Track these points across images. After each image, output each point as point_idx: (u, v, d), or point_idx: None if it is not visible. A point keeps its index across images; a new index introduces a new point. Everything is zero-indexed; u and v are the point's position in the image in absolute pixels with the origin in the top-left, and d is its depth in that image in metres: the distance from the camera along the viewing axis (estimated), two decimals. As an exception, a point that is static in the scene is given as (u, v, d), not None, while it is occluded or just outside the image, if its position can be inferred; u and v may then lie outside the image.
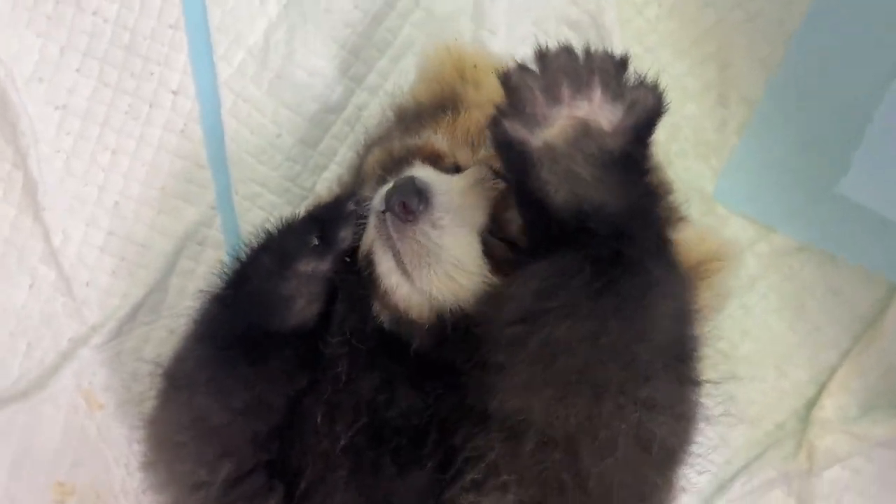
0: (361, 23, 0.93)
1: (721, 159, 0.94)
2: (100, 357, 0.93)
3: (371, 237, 0.69)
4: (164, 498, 0.74)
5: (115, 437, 0.94)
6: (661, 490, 0.62)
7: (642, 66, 0.59)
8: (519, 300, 0.56)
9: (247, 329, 0.71)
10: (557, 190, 0.56)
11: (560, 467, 0.56)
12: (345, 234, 0.71)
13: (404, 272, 0.65)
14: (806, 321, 0.96)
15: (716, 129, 0.94)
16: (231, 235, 0.94)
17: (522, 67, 0.58)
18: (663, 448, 0.58)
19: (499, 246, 0.66)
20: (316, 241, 0.72)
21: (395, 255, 0.65)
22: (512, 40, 0.93)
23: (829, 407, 0.93)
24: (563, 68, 0.56)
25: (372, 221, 0.69)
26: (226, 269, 0.76)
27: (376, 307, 0.69)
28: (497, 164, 0.68)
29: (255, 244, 0.75)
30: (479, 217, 0.67)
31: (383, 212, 0.66)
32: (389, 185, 0.67)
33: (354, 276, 0.71)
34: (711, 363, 0.64)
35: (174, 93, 0.93)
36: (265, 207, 0.94)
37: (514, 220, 0.66)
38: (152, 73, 0.92)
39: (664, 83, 0.58)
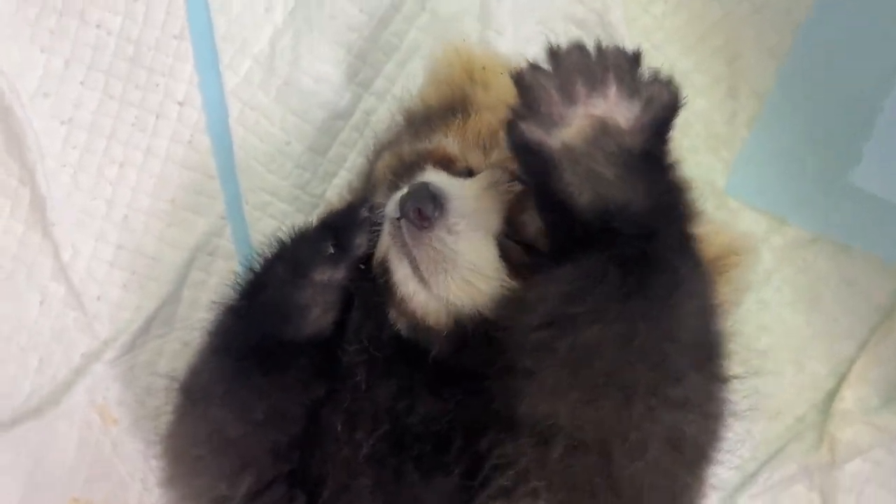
0: (367, 27, 0.93)
1: (732, 152, 0.94)
2: (113, 372, 0.93)
3: (386, 244, 0.68)
4: (184, 513, 0.73)
5: (130, 453, 0.93)
6: (692, 489, 0.62)
7: (650, 62, 0.57)
8: (545, 305, 0.55)
9: (262, 339, 0.70)
10: (581, 191, 0.55)
11: (591, 471, 0.55)
12: (360, 241, 0.71)
13: (421, 279, 0.64)
14: (822, 313, 0.95)
15: (726, 123, 0.94)
16: (242, 245, 0.94)
17: (535, 67, 0.57)
18: (694, 447, 0.57)
19: (515, 249, 0.66)
20: (331, 249, 0.71)
21: (411, 263, 0.65)
22: (518, 40, 0.92)
23: (849, 398, 0.93)
24: (577, 66, 0.55)
25: (386, 229, 0.68)
26: (239, 280, 0.75)
27: (393, 315, 0.68)
28: (512, 167, 0.68)
29: (268, 254, 0.74)
30: (494, 221, 0.66)
31: (398, 219, 0.65)
32: (403, 191, 0.66)
33: (369, 284, 0.70)
34: (736, 358, 0.63)
35: (180, 103, 0.92)
36: (276, 216, 0.93)
37: (530, 223, 0.66)
38: (158, 85, 0.92)
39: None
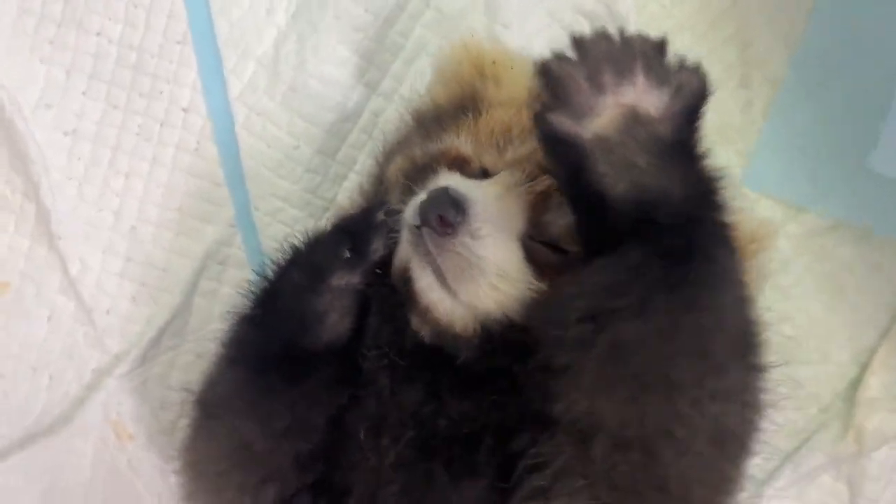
0: (372, 27, 0.92)
1: (747, 142, 0.93)
2: (126, 386, 0.91)
3: (406, 253, 0.67)
4: (208, 528, 0.72)
5: (146, 469, 0.92)
6: (735, 482, 0.61)
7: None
8: (584, 299, 0.54)
9: (280, 348, 0.69)
10: (616, 182, 0.54)
11: (635, 469, 0.54)
12: (377, 245, 0.69)
13: (446, 287, 0.63)
14: (843, 300, 0.94)
15: (740, 112, 0.93)
16: (253, 253, 0.92)
17: (562, 57, 0.55)
18: (736, 439, 0.57)
19: (541, 250, 0.65)
20: (348, 254, 0.69)
21: (435, 271, 0.63)
22: (526, 33, 0.91)
23: (874, 386, 0.92)
24: (604, 55, 0.54)
25: (406, 237, 0.67)
26: (253, 288, 0.74)
27: (416, 322, 0.67)
28: (530, 165, 0.67)
29: (282, 260, 0.73)
30: (517, 222, 0.65)
31: (418, 226, 0.64)
32: (421, 197, 0.64)
33: (386, 288, 0.69)
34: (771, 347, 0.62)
35: (185, 110, 0.91)
36: (286, 222, 0.92)
37: (554, 222, 0.65)
38: (161, 92, 0.90)
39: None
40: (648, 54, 0.54)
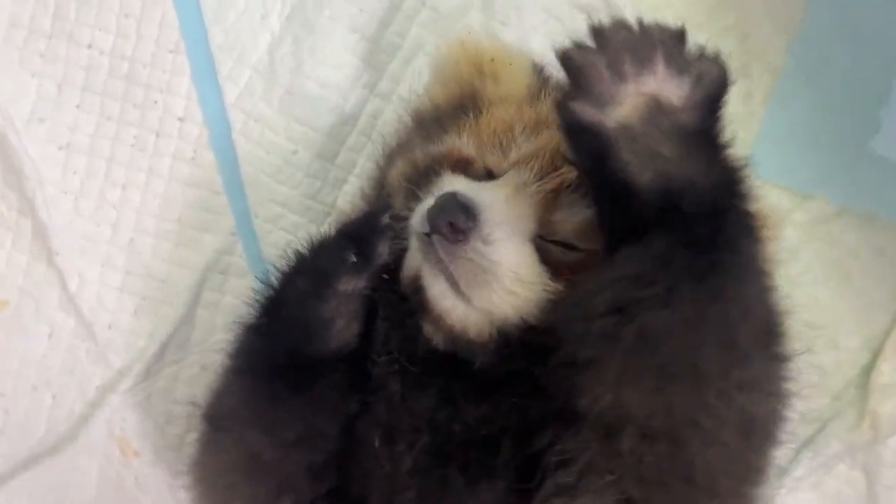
0: (368, 27, 0.91)
1: (750, 132, 0.92)
2: (130, 402, 0.90)
3: (416, 260, 0.65)
4: (221, 542, 0.71)
5: (153, 485, 0.91)
6: (762, 472, 0.61)
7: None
8: (610, 290, 0.53)
9: (287, 357, 0.68)
10: (641, 171, 0.54)
11: (664, 461, 0.54)
12: (382, 249, 0.68)
13: (460, 294, 0.62)
14: (852, 286, 0.93)
15: (742, 101, 0.92)
16: (255, 261, 0.91)
17: (581, 46, 0.55)
18: (763, 429, 0.57)
19: (554, 249, 0.64)
20: (353, 258, 0.68)
21: (448, 278, 0.62)
22: (524, 29, 0.91)
23: (887, 372, 0.91)
24: (624, 43, 0.53)
25: (415, 245, 0.66)
26: (257, 297, 0.72)
27: (429, 330, 0.65)
28: (535, 163, 0.66)
29: (286, 267, 0.72)
30: (529, 223, 0.64)
31: (428, 234, 0.62)
32: (428, 203, 0.63)
33: (393, 293, 0.68)
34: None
35: (180, 119, 0.90)
36: (288, 228, 0.91)
37: (565, 220, 0.64)
38: (156, 102, 0.89)
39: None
40: (668, 43, 0.54)
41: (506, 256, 0.61)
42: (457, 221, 0.60)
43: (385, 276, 0.68)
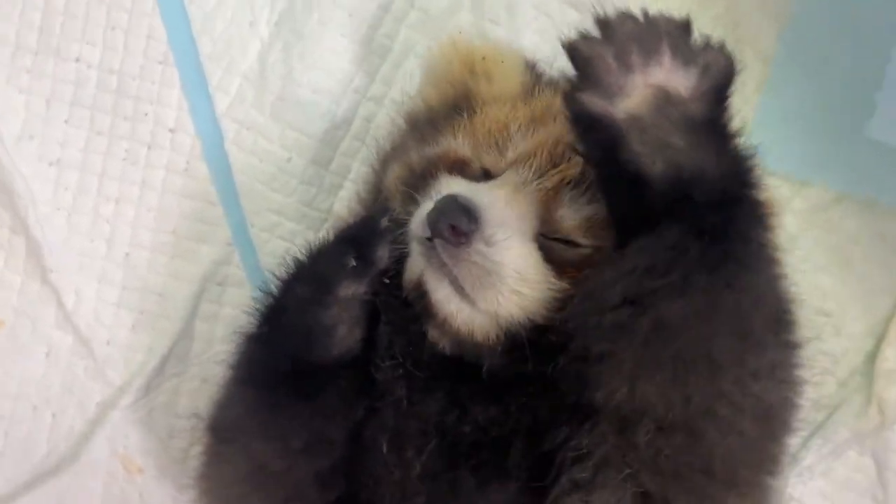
0: (358, 31, 0.91)
1: (744, 120, 0.91)
2: (131, 418, 0.90)
3: (418, 265, 0.65)
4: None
5: (159, 501, 0.90)
6: (778, 460, 0.61)
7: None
8: (624, 281, 0.53)
9: (290, 365, 0.67)
10: (654, 161, 0.53)
11: (681, 453, 0.54)
12: (382, 252, 0.67)
13: (464, 297, 0.62)
14: (853, 272, 0.93)
15: (736, 91, 0.91)
16: (252, 271, 0.91)
17: (588, 37, 0.55)
18: (778, 416, 0.57)
19: (556, 247, 0.63)
20: (353, 263, 0.67)
21: (452, 282, 0.62)
22: (515, 27, 0.91)
23: (892, 357, 0.91)
24: (631, 34, 0.53)
25: (416, 249, 0.65)
26: (257, 306, 0.72)
27: (434, 334, 0.65)
28: (533, 161, 0.66)
29: (285, 275, 0.71)
30: (530, 222, 0.64)
31: (429, 238, 0.62)
32: (428, 207, 0.63)
33: (395, 298, 0.67)
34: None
35: (172, 131, 0.89)
36: (285, 236, 0.90)
37: (567, 217, 0.64)
38: (146, 114, 0.88)
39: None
40: (674, 34, 0.54)
41: (509, 257, 0.61)
42: (458, 224, 0.60)
43: (386, 280, 0.68)
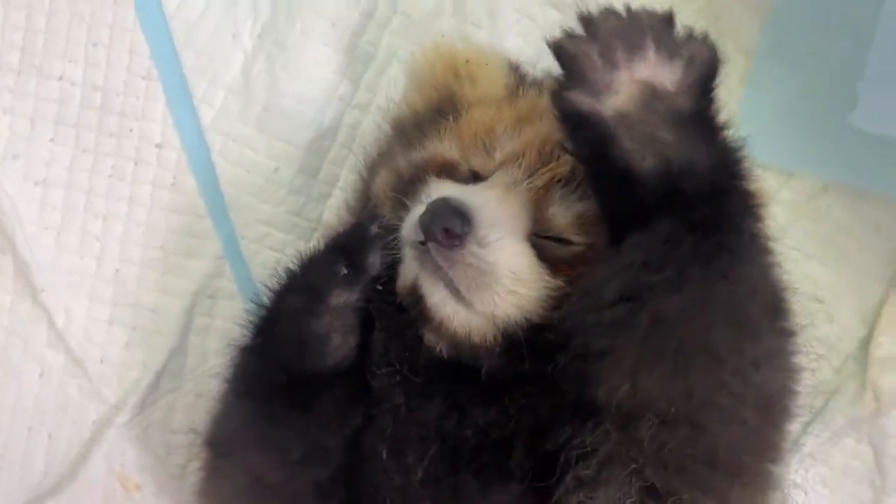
0: (341, 39, 0.91)
1: (727, 113, 0.92)
2: (128, 435, 0.89)
3: (412, 269, 0.65)
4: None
5: (159, 518, 0.90)
6: (780, 448, 0.62)
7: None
8: (620, 278, 0.54)
9: (284, 376, 0.67)
10: (644, 157, 0.54)
11: (685, 445, 0.54)
12: (373, 259, 0.67)
13: (460, 299, 0.62)
14: (843, 260, 0.94)
15: (720, 84, 0.92)
16: (244, 283, 0.90)
17: (573, 35, 0.55)
18: (778, 403, 0.58)
19: (549, 245, 0.64)
20: (344, 271, 0.67)
21: (447, 285, 0.62)
22: (497, 30, 0.91)
23: (885, 343, 0.92)
24: (615, 31, 0.54)
25: (410, 254, 0.65)
26: (250, 318, 0.71)
27: (430, 338, 0.65)
28: (522, 161, 0.66)
29: (277, 285, 0.71)
30: (522, 222, 0.64)
31: (423, 242, 0.62)
32: (420, 211, 0.63)
33: (388, 304, 0.67)
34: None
35: (158, 146, 0.89)
36: (275, 247, 0.90)
37: (559, 215, 0.64)
38: (131, 130, 0.88)
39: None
40: (657, 28, 0.54)
41: (504, 257, 0.61)
42: (452, 227, 0.60)
43: (379, 287, 0.68)
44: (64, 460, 0.89)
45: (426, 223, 0.61)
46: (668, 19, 0.55)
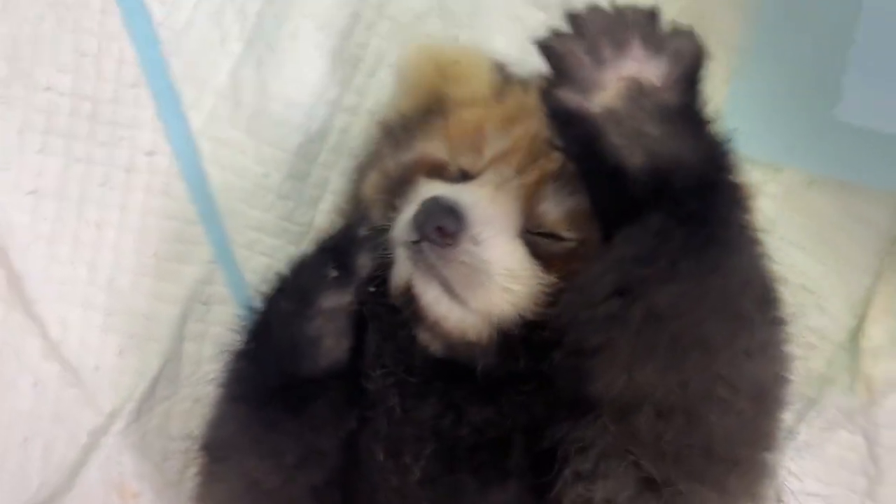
0: (328, 43, 0.91)
1: (715, 109, 0.92)
2: (124, 443, 0.89)
3: (405, 270, 0.65)
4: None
5: (157, 525, 0.89)
6: (775, 436, 0.62)
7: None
8: (614, 272, 0.54)
9: (279, 379, 0.67)
10: (632, 153, 0.55)
11: (682, 437, 0.55)
12: (362, 261, 0.68)
13: (455, 298, 0.62)
14: (832, 252, 0.94)
15: (705, 79, 0.93)
16: (237, 288, 0.91)
17: (560, 33, 0.56)
18: (771, 392, 0.58)
19: (541, 242, 0.64)
20: (334, 273, 0.68)
21: (442, 283, 0.62)
22: (483, 31, 0.91)
23: (875, 334, 0.92)
24: (600, 28, 0.55)
25: (403, 254, 0.65)
26: (243, 323, 0.72)
27: (425, 338, 0.65)
28: (512, 159, 0.67)
29: (269, 290, 0.71)
30: (514, 219, 0.64)
31: (415, 241, 0.62)
32: (412, 211, 0.63)
33: (381, 306, 0.67)
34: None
35: (148, 153, 0.89)
36: (267, 252, 0.90)
37: (550, 211, 0.65)
38: (122, 138, 0.88)
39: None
40: (642, 24, 0.55)
41: (497, 254, 0.62)
42: (445, 225, 0.60)
43: (372, 289, 0.68)
44: (59, 471, 0.89)
45: (419, 222, 0.61)
46: (653, 15, 0.56)
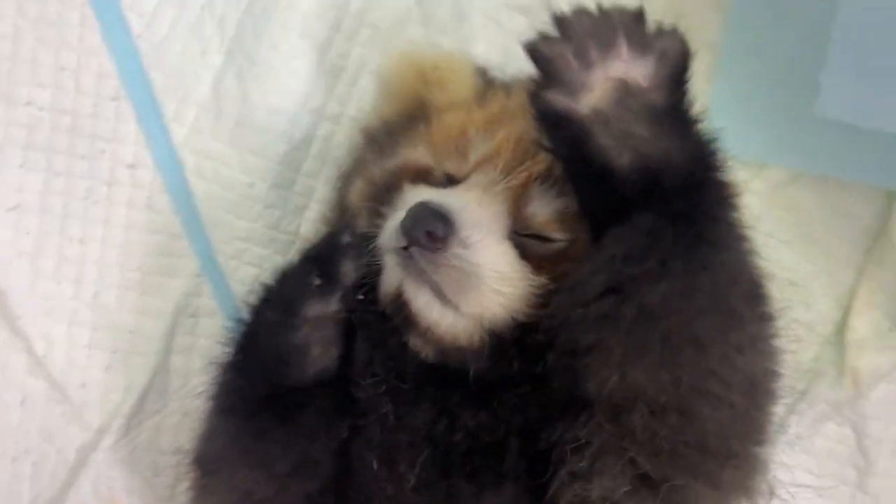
0: (310, 52, 0.91)
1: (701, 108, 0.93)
2: (114, 459, 0.88)
3: (395, 276, 0.65)
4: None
5: (149, 540, 0.89)
6: (766, 430, 0.63)
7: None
8: (605, 272, 0.55)
9: (268, 389, 0.67)
10: (620, 153, 0.55)
11: (676, 433, 0.55)
12: (346, 269, 0.67)
13: (446, 302, 0.62)
14: (816, 247, 0.95)
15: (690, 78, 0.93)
16: (224, 300, 0.90)
17: (548, 36, 0.56)
18: (762, 386, 0.59)
19: (530, 243, 0.64)
20: (317, 281, 0.67)
21: (433, 288, 0.62)
22: (465, 36, 0.91)
23: (860, 327, 0.93)
24: (587, 30, 0.55)
25: (392, 260, 0.65)
26: (231, 334, 0.71)
27: (416, 344, 0.65)
28: (498, 162, 0.67)
29: (255, 300, 0.71)
30: (502, 221, 0.65)
31: (405, 247, 0.62)
32: (399, 217, 0.63)
33: (370, 314, 0.67)
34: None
35: (131, 167, 0.88)
36: (253, 262, 0.90)
37: (537, 213, 0.65)
38: (103, 151, 0.87)
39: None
40: (628, 24, 0.55)
41: (487, 257, 0.62)
42: (434, 230, 0.60)
43: (361, 296, 0.68)
44: (50, 489, 0.88)
45: (408, 228, 0.61)
46: (639, 16, 0.56)
